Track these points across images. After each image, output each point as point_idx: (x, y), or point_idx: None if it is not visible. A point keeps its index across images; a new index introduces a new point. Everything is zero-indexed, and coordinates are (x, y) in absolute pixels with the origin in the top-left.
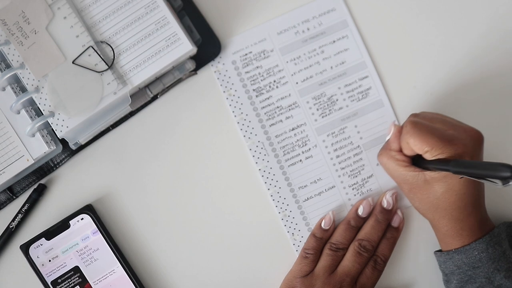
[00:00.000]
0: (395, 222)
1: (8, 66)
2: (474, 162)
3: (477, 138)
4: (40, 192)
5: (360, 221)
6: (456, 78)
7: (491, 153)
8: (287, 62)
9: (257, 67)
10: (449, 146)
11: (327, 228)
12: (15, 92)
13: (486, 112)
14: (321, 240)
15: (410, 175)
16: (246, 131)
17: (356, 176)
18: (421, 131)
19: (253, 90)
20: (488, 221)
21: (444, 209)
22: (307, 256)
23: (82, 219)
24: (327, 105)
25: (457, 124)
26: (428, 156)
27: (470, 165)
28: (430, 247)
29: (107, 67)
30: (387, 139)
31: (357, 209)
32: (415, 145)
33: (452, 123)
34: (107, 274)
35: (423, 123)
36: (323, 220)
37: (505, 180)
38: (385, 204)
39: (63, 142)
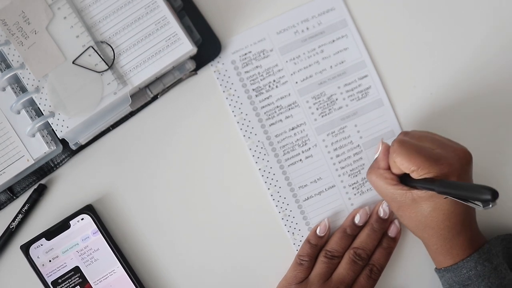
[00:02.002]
0: (392, 232)
1: (8, 66)
2: (458, 183)
3: (464, 158)
4: (40, 192)
5: (356, 230)
6: (457, 78)
7: (491, 156)
8: (286, 61)
9: (257, 67)
10: (436, 166)
11: (322, 235)
12: (15, 92)
13: (487, 111)
14: (316, 247)
15: (398, 193)
16: (246, 130)
17: (356, 176)
18: (408, 150)
19: (253, 89)
20: (480, 237)
21: (432, 228)
22: (302, 263)
23: (82, 219)
24: (327, 104)
25: (446, 143)
26: (415, 175)
27: (453, 186)
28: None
29: (107, 67)
30: (375, 157)
31: (353, 217)
32: (402, 164)
33: (441, 142)
34: (107, 274)
35: (410, 142)
36: (318, 227)
37: (485, 203)
38: (381, 213)
39: (63, 142)
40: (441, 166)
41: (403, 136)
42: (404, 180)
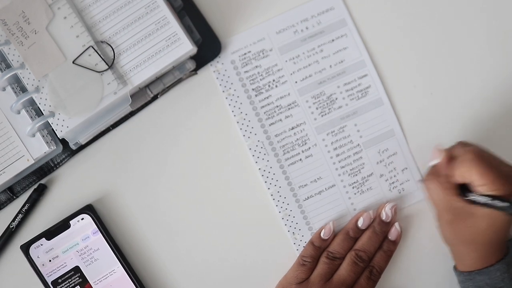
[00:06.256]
0: (392, 235)
1: (8, 66)
2: None
3: None
4: (41, 192)
5: (359, 232)
6: (457, 77)
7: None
8: (286, 61)
9: (256, 67)
10: (506, 185)
11: (326, 238)
12: (15, 92)
13: (488, 110)
14: (319, 249)
15: (458, 205)
16: (245, 130)
17: (356, 175)
18: (484, 163)
19: (252, 89)
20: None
21: (479, 244)
22: (304, 264)
23: (82, 219)
24: (327, 104)
25: (505, 162)
26: (484, 190)
27: None
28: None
29: (107, 67)
30: (432, 164)
31: (357, 221)
32: (474, 175)
33: (501, 160)
34: (107, 274)
35: (486, 154)
36: (323, 230)
37: None
38: (383, 217)
39: (63, 142)
40: (510, 185)
41: (464, 146)
42: (461, 191)
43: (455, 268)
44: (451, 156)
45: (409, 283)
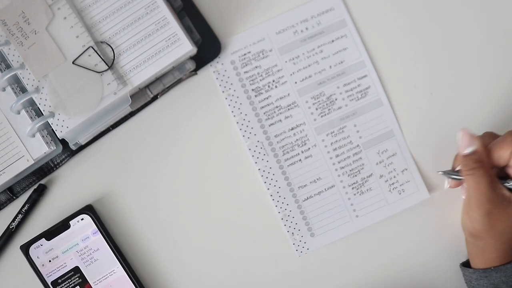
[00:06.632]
0: None
1: (8, 66)
2: None
3: None
4: (40, 192)
5: None
6: (457, 77)
7: None
8: (286, 61)
9: (256, 67)
10: None
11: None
12: (15, 93)
13: (488, 111)
14: None
15: (501, 193)
16: (245, 131)
17: (356, 176)
18: None
19: (252, 90)
20: None
21: (511, 234)
22: None
23: (82, 219)
24: (326, 104)
25: None
26: None
27: None
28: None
29: (107, 67)
30: (467, 152)
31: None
32: None
33: None
34: (107, 275)
35: None
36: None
37: None
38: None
39: (63, 142)
40: None
41: (494, 134)
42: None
43: (467, 266)
44: (483, 142)
45: (410, 283)
